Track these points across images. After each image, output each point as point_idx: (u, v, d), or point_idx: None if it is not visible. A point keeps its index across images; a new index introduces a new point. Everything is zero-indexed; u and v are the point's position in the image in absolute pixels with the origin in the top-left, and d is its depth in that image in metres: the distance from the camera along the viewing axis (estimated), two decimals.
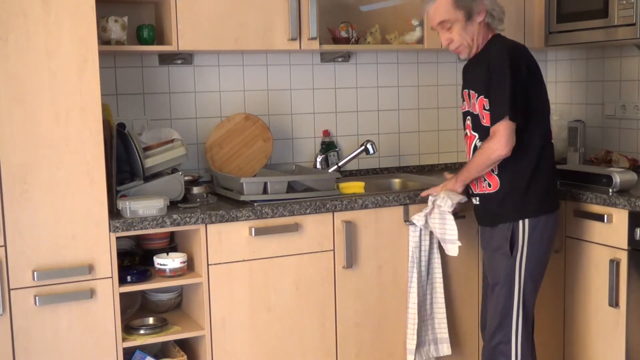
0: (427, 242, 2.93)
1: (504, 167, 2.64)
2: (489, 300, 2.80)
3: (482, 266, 2.96)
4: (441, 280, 2.98)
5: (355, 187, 3.11)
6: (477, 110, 2.67)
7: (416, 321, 2.93)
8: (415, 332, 2.93)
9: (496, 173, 2.66)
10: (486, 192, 2.71)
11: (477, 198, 2.76)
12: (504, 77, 2.52)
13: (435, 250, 2.96)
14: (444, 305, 2.99)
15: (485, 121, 2.63)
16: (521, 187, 2.64)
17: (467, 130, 2.76)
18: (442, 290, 2.99)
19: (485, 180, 2.70)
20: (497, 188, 2.67)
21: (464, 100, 2.78)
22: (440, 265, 2.97)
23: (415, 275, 2.92)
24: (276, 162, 3.40)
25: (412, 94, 3.71)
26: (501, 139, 2.54)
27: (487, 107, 2.60)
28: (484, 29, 2.67)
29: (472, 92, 2.69)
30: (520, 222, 2.65)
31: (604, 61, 3.63)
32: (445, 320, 3.00)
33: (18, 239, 2.43)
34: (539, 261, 2.70)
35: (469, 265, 3.10)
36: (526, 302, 2.69)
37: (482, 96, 2.62)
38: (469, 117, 2.74)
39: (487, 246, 2.78)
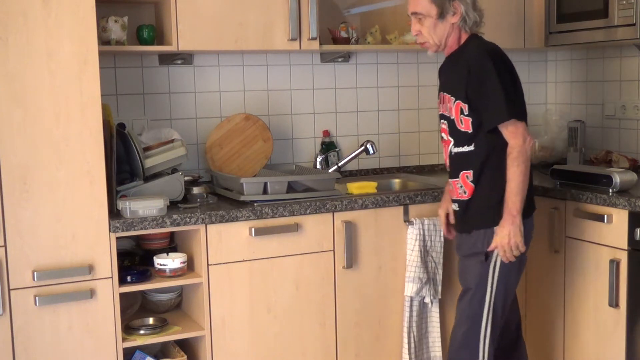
0: (427, 242, 2.95)
1: (480, 173, 2.56)
2: (457, 305, 2.71)
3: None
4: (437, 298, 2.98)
5: (367, 187, 3.09)
6: (453, 114, 2.58)
7: (413, 339, 2.94)
8: (413, 351, 2.95)
9: (471, 180, 2.59)
10: (462, 198, 2.63)
11: (456, 204, 2.68)
12: (493, 80, 2.46)
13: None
14: (438, 323, 2.99)
15: (464, 126, 2.55)
16: (497, 193, 2.53)
17: (443, 134, 2.68)
18: (437, 309, 2.99)
19: (461, 187, 2.62)
20: (472, 195, 2.59)
21: (441, 103, 2.68)
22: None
23: (413, 285, 2.93)
24: (276, 162, 3.40)
25: (412, 94, 3.71)
26: (524, 134, 2.49)
27: (467, 112, 2.53)
28: (457, 31, 2.60)
29: (447, 95, 2.61)
30: (495, 229, 2.55)
31: (604, 61, 3.63)
32: (439, 338, 3.00)
33: (18, 239, 2.43)
34: (513, 269, 2.61)
35: None
36: (496, 309, 2.60)
37: (460, 101, 2.54)
38: (444, 121, 2.65)
39: (461, 252, 2.72)
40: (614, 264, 2.76)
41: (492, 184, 2.55)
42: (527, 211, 2.59)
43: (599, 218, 2.81)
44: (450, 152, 2.63)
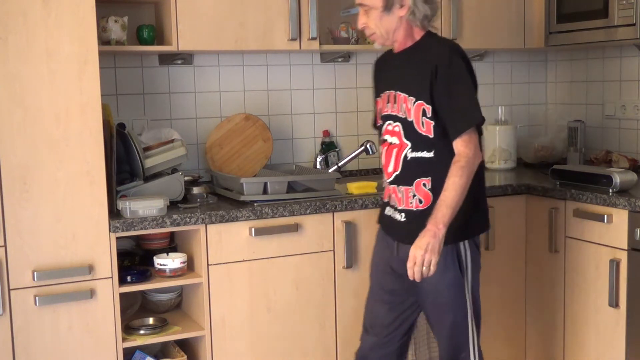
0: None
1: (441, 182, 2.30)
2: (436, 328, 2.49)
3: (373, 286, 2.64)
4: None
5: (367, 187, 3.08)
6: (411, 116, 2.35)
7: (415, 340, 2.91)
8: (415, 352, 2.92)
9: (429, 187, 2.35)
10: (416, 208, 2.38)
11: (403, 214, 2.42)
12: (464, 83, 2.31)
13: None
14: None
15: (425, 130, 2.33)
16: (465, 205, 2.31)
17: (392, 138, 2.42)
18: None
19: (415, 195, 2.38)
20: (430, 204, 2.34)
21: (388, 102, 2.45)
22: None
23: None
24: (276, 162, 3.40)
25: None
26: (476, 146, 2.31)
27: (429, 115, 2.31)
28: (407, 25, 2.38)
29: (402, 94, 2.38)
30: (461, 243, 2.38)
31: (604, 61, 3.63)
32: None
33: (18, 239, 2.43)
34: (478, 278, 2.46)
35: None
36: (477, 313, 2.45)
37: (423, 102, 2.33)
38: (395, 123, 2.41)
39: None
40: (614, 264, 2.76)
41: None
42: (483, 227, 2.47)
43: (599, 218, 2.81)
44: (406, 156, 2.38)
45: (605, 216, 2.79)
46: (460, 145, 2.30)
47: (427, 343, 3.01)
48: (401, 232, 2.44)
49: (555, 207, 3.01)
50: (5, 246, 2.42)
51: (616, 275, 2.76)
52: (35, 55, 2.41)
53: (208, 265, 2.69)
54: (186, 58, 3.14)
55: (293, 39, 3.03)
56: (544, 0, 3.45)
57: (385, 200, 2.52)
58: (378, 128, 2.55)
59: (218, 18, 2.91)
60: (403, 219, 2.42)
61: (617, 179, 2.82)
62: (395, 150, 2.41)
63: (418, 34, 2.41)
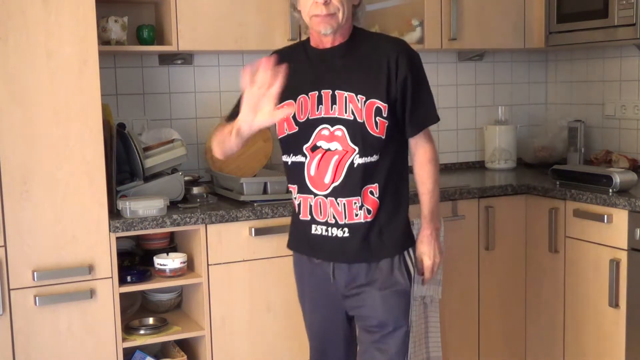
0: None
1: (385, 187, 2.15)
2: (384, 342, 2.22)
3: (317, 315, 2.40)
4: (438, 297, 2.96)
5: None
6: (362, 117, 2.09)
7: (413, 340, 2.90)
8: (413, 352, 2.92)
9: (377, 195, 2.14)
10: (364, 220, 2.14)
11: (346, 229, 2.14)
12: (426, 80, 2.21)
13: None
14: (438, 323, 2.97)
15: (379, 131, 2.10)
16: (405, 210, 2.21)
17: (330, 143, 2.12)
18: (437, 309, 2.96)
19: (363, 206, 2.12)
20: (376, 214, 2.15)
21: (321, 104, 2.14)
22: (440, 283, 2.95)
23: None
24: (276, 162, 3.39)
25: None
26: (432, 140, 2.26)
27: (385, 114, 2.09)
28: (350, 18, 2.18)
29: (345, 93, 2.11)
30: (405, 252, 2.21)
31: (604, 61, 3.63)
32: (439, 339, 2.99)
33: (18, 239, 2.43)
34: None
35: (468, 279, 3.10)
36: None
37: (377, 100, 2.09)
38: (336, 127, 2.11)
39: (369, 283, 2.19)
40: (614, 264, 2.76)
41: (398, 199, 2.19)
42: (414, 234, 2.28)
43: (599, 218, 2.81)
44: (352, 163, 2.10)
45: (605, 216, 2.79)
46: (424, 140, 2.23)
47: (425, 343, 3.01)
48: (341, 250, 2.18)
49: (555, 207, 3.01)
50: (5, 246, 2.42)
51: (616, 275, 2.76)
52: (35, 55, 2.41)
53: (208, 265, 2.69)
54: (186, 58, 3.14)
55: (293, 39, 3.02)
56: (544, 0, 3.45)
57: (307, 218, 2.21)
58: (292, 136, 2.19)
59: (218, 18, 2.90)
60: (345, 235, 2.15)
61: (617, 179, 2.82)
62: (335, 158, 2.12)
63: (350, 29, 2.20)
